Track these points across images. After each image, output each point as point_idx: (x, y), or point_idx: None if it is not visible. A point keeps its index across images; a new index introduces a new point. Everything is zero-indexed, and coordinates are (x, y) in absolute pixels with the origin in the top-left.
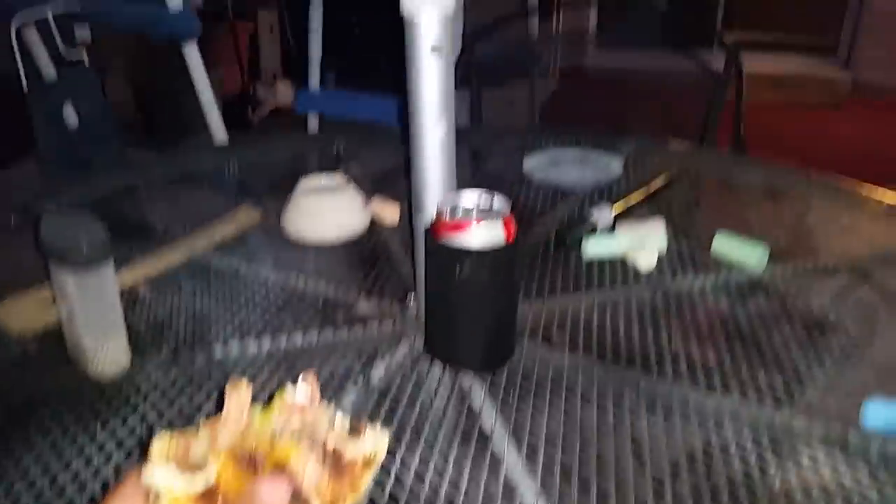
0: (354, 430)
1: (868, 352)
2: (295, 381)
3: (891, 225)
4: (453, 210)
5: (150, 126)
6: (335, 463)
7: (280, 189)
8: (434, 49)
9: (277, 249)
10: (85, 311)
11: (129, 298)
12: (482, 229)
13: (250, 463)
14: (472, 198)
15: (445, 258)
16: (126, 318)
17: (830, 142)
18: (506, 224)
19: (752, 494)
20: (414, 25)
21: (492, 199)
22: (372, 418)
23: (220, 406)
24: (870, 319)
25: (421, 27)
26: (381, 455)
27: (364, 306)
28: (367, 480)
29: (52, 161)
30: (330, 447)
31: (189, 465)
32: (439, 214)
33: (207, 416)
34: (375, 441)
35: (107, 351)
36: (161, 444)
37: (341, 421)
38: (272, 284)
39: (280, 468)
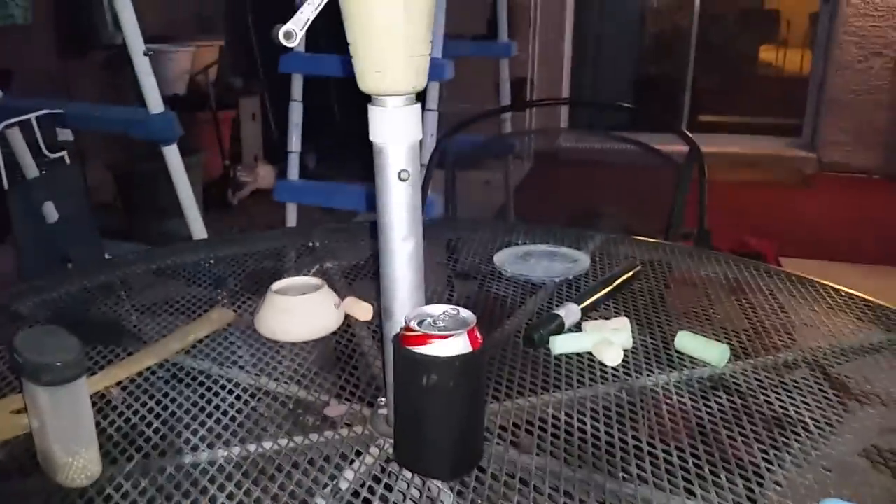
0: None
1: (825, 450)
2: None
3: (848, 317)
4: (420, 322)
5: (129, 209)
6: None
7: (256, 285)
8: (401, 175)
9: (250, 349)
10: (57, 425)
11: (102, 403)
12: (448, 340)
13: None
14: (438, 310)
15: (413, 367)
16: (98, 424)
17: (797, 220)
18: (470, 334)
19: None
20: (382, 152)
21: (458, 312)
22: None
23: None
24: (828, 416)
25: (389, 155)
26: None
27: (335, 409)
28: None
29: (30, 254)
30: None
31: None
32: (407, 326)
33: None
34: None
35: (79, 461)
36: None
37: None
38: (244, 387)
39: None
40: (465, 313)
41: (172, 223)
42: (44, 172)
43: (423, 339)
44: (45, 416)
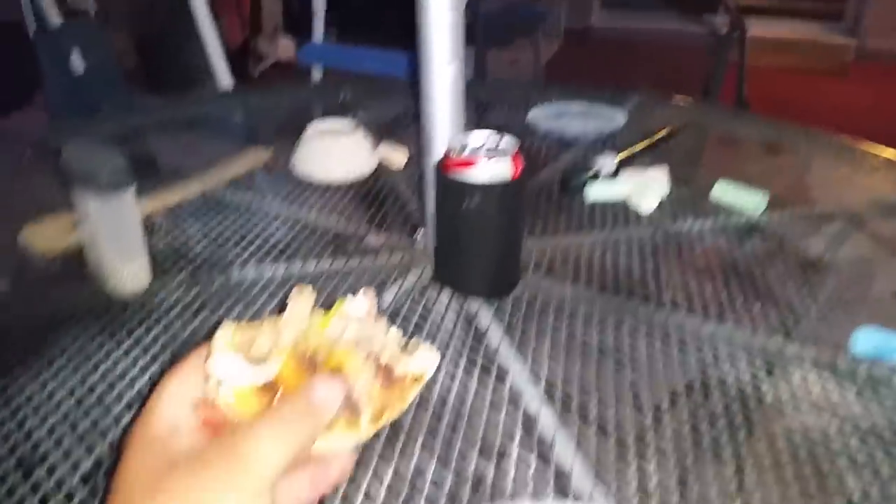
0: (406, 348)
1: (860, 290)
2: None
3: (887, 177)
4: (462, 148)
5: (152, 77)
6: (386, 375)
7: (287, 133)
8: None
9: (287, 187)
10: (107, 233)
11: (147, 227)
12: (490, 165)
13: (310, 363)
14: (480, 137)
15: (455, 192)
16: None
17: (834, 108)
18: (513, 161)
19: (745, 408)
20: None
21: (500, 139)
22: None
23: (282, 309)
24: (863, 262)
25: None
26: (430, 373)
27: (373, 239)
28: (414, 394)
29: (60, 106)
30: (383, 361)
31: (252, 358)
32: (449, 151)
33: (269, 316)
34: (425, 360)
35: (129, 269)
36: (225, 334)
37: (396, 337)
38: (283, 218)
39: (336, 372)
40: (508, 139)
41: (199, 89)
42: (68, 24)
43: (466, 164)
44: (95, 225)
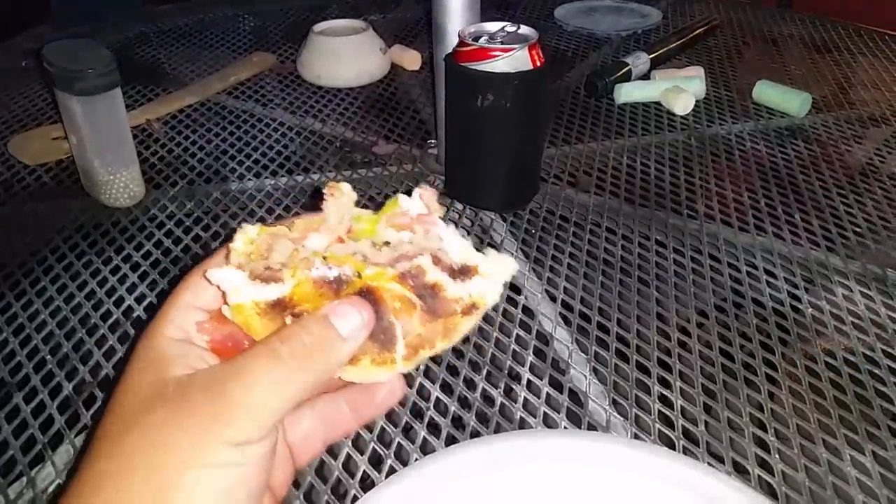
0: (465, 271)
1: None
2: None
3: None
4: (477, 37)
5: None
6: (432, 299)
7: (296, 37)
8: None
9: (293, 92)
10: (95, 139)
11: (143, 136)
12: (506, 56)
13: (332, 280)
14: (496, 26)
15: (467, 86)
16: (140, 154)
17: (885, 20)
18: (531, 50)
19: (781, 326)
20: None
21: (517, 28)
22: None
23: (315, 208)
24: None
25: None
26: (490, 301)
27: (383, 147)
28: (464, 330)
29: (65, 15)
30: (430, 278)
31: (264, 269)
32: (462, 41)
33: (299, 215)
34: (489, 280)
35: (120, 180)
36: (244, 238)
37: (460, 244)
38: (289, 125)
39: (366, 294)
40: (526, 29)
41: None
42: None
43: (480, 55)
44: (81, 131)
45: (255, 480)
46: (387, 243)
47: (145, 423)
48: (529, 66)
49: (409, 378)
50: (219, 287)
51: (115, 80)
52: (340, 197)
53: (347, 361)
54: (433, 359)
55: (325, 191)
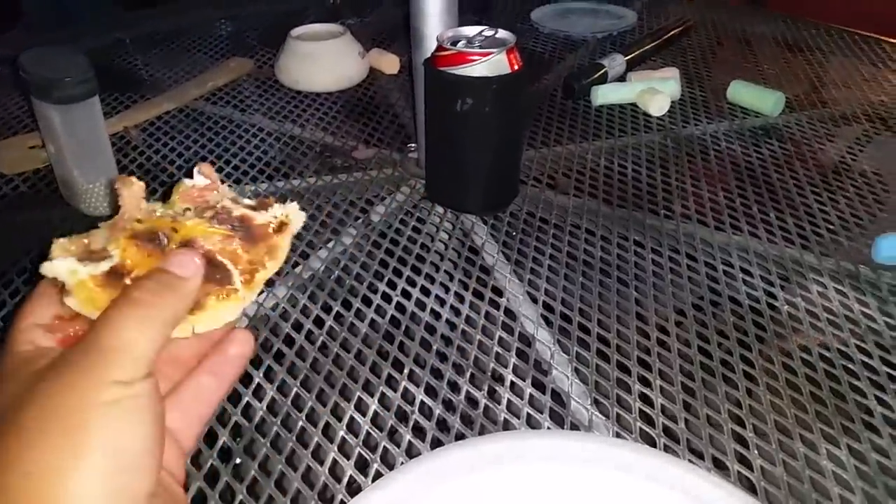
0: (262, 205)
1: (883, 195)
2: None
3: None
4: (455, 42)
5: None
6: (246, 229)
7: (274, 39)
8: None
9: (272, 98)
10: (73, 148)
11: (122, 143)
12: (485, 60)
13: (155, 243)
14: (473, 30)
15: (446, 90)
16: (118, 162)
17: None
18: (509, 54)
19: (758, 324)
20: None
21: (495, 32)
22: (372, 255)
23: (115, 210)
24: (886, 163)
25: None
26: (297, 222)
27: (363, 152)
28: (285, 246)
29: (38, 20)
30: (236, 213)
31: (90, 255)
32: (440, 46)
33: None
34: (286, 209)
35: (100, 189)
36: (59, 246)
37: (245, 197)
38: (268, 131)
39: (187, 243)
40: (504, 33)
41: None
42: None
43: (458, 59)
44: (60, 140)
45: (149, 416)
46: (188, 209)
47: (32, 396)
48: (508, 70)
49: (393, 382)
50: (57, 280)
51: (93, 89)
52: (131, 186)
53: (193, 304)
54: (416, 362)
55: (116, 185)
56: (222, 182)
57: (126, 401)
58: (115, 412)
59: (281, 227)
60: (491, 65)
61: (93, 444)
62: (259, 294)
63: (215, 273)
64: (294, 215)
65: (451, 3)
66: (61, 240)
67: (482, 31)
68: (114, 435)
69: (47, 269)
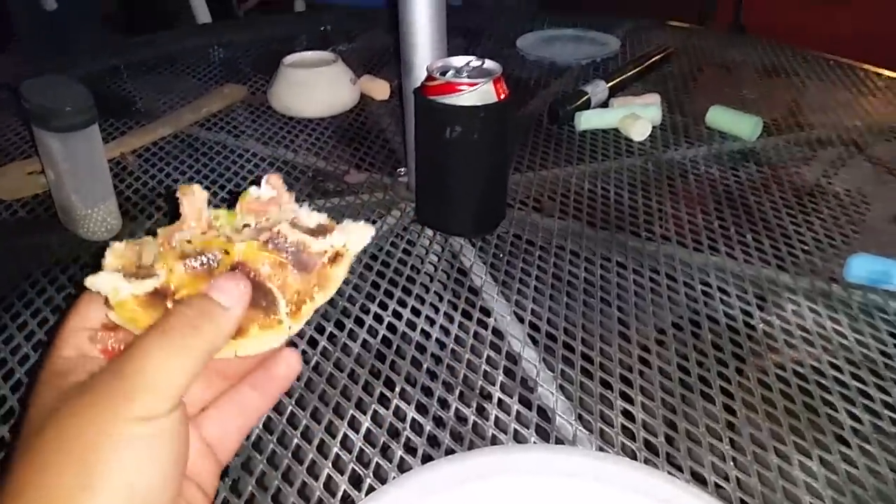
0: (321, 230)
1: (855, 216)
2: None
3: (887, 99)
4: (443, 72)
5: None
6: (299, 256)
7: (268, 66)
8: None
9: (265, 123)
10: (73, 175)
11: (118, 168)
12: (472, 89)
13: (203, 265)
14: (461, 60)
15: (435, 118)
16: (115, 187)
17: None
18: (496, 84)
19: (735, 342)
20: None
21: (482, 63)
22: (364, 277)
23: (174, 216)
24: (860, 187)
25: None
26: (356, 247)
27: (355, 177)
28: (338, 276)
29: (32, 45)
30: (292, 239)
31: (138, 270)
32: (429, 76)
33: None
34: (350, 232)
35: (98, 214)
36: (114, 253)
37: (310, 215)
38: (261, 156)
39: (237, 266)
40: (491, 64)
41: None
42: None
43: (447, 89)
44: (59, 167)
45: (167, 453)
46: (246, 226)
47: (54, 421)
48: (494, 99)
49: (384, 400)
50: (101, 294)
51: (92, 117)
52: (192, 195)
53: (235, 331)
54: (407, 380)
55: (178, 194)
56: (289, 191)
57: (144, 439)
58: (131, 451)
59: (336, 257)
60: (478, 94)
61: (106, 482)
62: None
63: (261, 300)
64: (357, 236)
65: (440, 34)
66: (117, 244)
67: (470, 61)
68: (128, 472)
69: (91, 282)
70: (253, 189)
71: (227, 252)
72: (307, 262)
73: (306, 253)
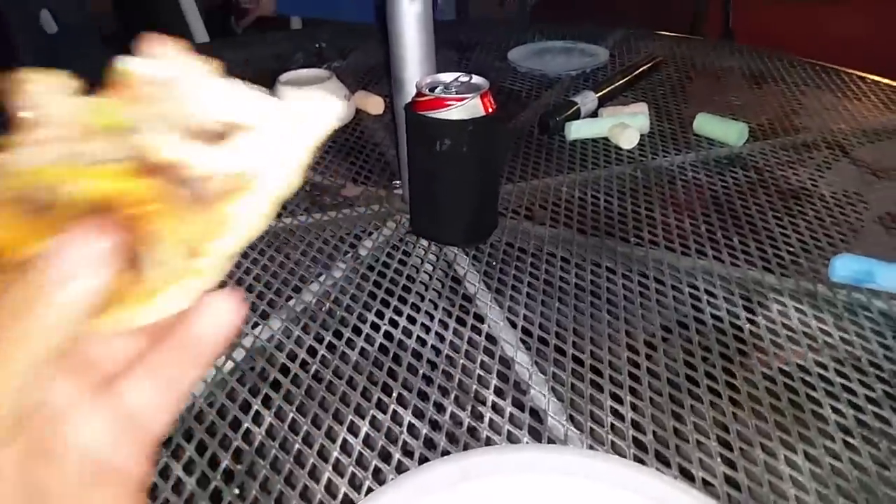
0: (230, 129)
1: (841, 218)
2: None
3: (872, 102)
4: (433, 88)
5: (130, 38)
6: (195, 185)
7: (263, 83)
8: None
9: None
10: None
11: None
12: (461, 104)
13: (42, 212)
14: (450, 76)
15: (425, 133)
16: None
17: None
18: (483, 98)
19: (722, 343)
20: None
21: (470, 78)
22: (361, 287)
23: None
24: (846, 189)
25: None
26: (327, 115)
27: (351, 190)
28: (241, 214)
29: (34, 67)
30: (183, 157)
31: None
32: (419, 92)
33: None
34: (264, 109)
35: None
36: None
37: (228, 99)
38: None
39: (98, 210)
40: (478, 79)
41: None
42: None
43: (436, 104)
44: None
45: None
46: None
47: None
48: (482, 113)
49: (382, 405)
50: None
51: None
52: (30, 84)
53: (97, 305)
54: (404, 386)
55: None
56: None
57: None
58: None
59: (236, 188)
60: (466, 109)
61: None
62: (254, 328)
63: (129, 255)
64: (321, 107)
65: (429, 50)
66: None
67: (458, 77)
68: None
69: None
70: (131, 62)
71: (84, 185)
72: (202, 196)
73: (196, 179)
